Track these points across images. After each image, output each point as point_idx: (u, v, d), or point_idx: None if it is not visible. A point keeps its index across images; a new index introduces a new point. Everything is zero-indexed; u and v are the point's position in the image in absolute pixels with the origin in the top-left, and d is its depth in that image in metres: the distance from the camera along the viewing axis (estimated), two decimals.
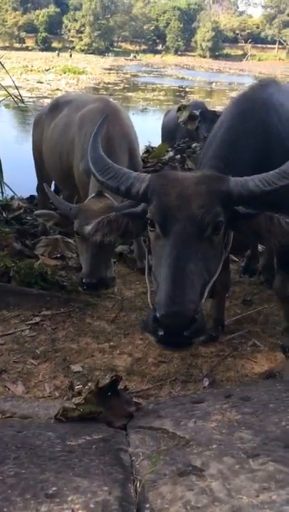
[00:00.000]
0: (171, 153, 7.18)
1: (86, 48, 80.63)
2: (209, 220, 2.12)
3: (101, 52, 77.36)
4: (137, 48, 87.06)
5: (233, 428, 1.88)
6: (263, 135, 2.71)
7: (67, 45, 78.75)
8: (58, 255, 4.80)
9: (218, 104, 17.68)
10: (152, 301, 2.27)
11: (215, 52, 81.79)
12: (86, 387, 2.79)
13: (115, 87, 30.45)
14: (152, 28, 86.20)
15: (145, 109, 22.59)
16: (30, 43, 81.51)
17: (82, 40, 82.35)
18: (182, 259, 2.05)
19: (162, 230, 2.15)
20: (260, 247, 4.64)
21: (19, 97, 5.68)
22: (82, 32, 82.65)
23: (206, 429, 1.90)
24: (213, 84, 37.02)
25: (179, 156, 7.01)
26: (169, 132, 8.58)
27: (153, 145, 8.09)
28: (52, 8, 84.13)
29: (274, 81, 3.18)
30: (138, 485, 1.56)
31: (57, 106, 4.98)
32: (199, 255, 2.10)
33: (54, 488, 1.49)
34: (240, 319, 3.74)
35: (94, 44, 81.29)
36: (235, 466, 1.58)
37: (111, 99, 4.98)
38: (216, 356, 3.29)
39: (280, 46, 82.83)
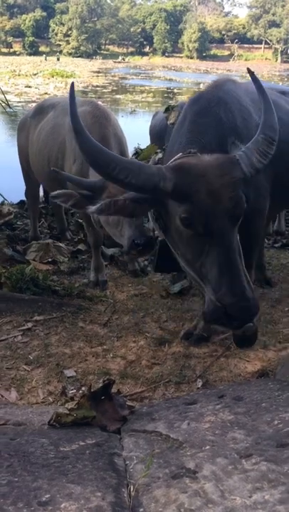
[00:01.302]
0: (160, 155, 7.18)
1: (74, 51, 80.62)
2: (240, 210, 2.24)
3: (89, 56, 77.43)
4: (125, 50, 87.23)
5: (226, 428, 1.89)
6: (222, 131, 2.76)
7: (55, 49, 78.79)
8: (50, 260, 4.79)
9: None
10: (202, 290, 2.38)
11: (202, 53, 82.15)
12: (80, 391, 2.78)
13: (104, 90, 30.50)
14: (139, 30, 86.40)
15: (134, 111, 22.64)
16: (17, 47, 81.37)
17: (69, 43, 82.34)
18: (232, 255, 2.20)
19: (203, 228, 2.20)
20: None
21: (6, 102, 5.66)
22: (69, 35, 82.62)
23: (199, 431, 1.90)
24: (201, 84, 36.98)
25: None
26: (157, 133, 8.58)
27: (142, 147, 8.09)
28: (38, 13, 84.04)
29: (230, 80, 3.23)
30: (132, 489, 1.56)
31: (42, 109, 4.97)
32: (238, 247, 2.26)
33: (47, 496, 1.48)
34: None
35: (81, 47, 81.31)
36: (228, 467, 1.58)
37: (99, 102, 4.99)
38: (209, 356, 3.29)
39: (266, 46, 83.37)
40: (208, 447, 1.75)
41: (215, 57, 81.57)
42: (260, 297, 4.06)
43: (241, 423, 1.91)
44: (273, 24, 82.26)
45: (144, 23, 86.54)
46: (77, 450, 1.86)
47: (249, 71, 2.69)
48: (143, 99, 27.27)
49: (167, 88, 34.36)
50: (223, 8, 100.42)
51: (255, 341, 2.99)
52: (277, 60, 78.74)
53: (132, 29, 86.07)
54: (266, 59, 78.96)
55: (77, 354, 3.29)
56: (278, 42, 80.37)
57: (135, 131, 10.74)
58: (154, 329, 3.66)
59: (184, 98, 26.17)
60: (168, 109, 7.95)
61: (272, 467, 1.50)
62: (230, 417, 1.99)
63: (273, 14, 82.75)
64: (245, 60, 79.15)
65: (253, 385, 2.52)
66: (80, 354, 3.29)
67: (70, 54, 78.74)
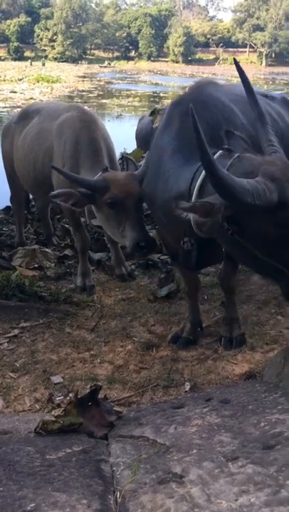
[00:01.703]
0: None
1: (59, 56, 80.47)
2: None
3: (74, 60, 77.37)
4: (110, 55, 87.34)
5: (212, 432, 1.88)
6: (210, 131, 2.73)
7: (40, 54, 78.52)
8: (36, 266, 4.76)
9: None
10: None
11: (187, 57, 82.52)
12: (67, 398, 2.75)
13: (90, 95, 30.45)
14: (124, 34, 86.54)
15: (120, 115, 22.66)
16: (2, 53, 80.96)
17: (54, 48, 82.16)
18: None
19: None
20: None
21: None
22: (54, 40, 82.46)
23: (186, 435, 1.90)
24: (187, 88, 37.32)
25: None
26: (143, 138, 8.58)
27: (128, 151, 8.10)
28: (23, 18, 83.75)
29: (211, 82, 3.25)
30: (118, 496, 1.55)
31: (26, 115, 4.95)
32: None
33: (32, 505, 1.47)
34: (219, 321, 3.75)
35: (67, 52, 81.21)
36: (214, 471, 1.58)
37: (85, 107, 5.01)
38: (197, 360, 3.29)
39: (251, 49, 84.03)
40: (195, 451, 1.75)
41: (200, 61, 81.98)
42: (247, 299, 4.08)
43: (228, 426, 1.91)
44: (258, 28, 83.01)
45: (129, 28, 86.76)
46: (64, 458, 1.85)
47: (240, 75, 2.65)
48: (129, 104, 27.32)
49: (153, 92, 34.45)
50: (208, 12, 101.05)
51: None
52: (262, 63, 79.44)
53: (117, 34, 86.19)
54: (251, 62, 79.51)
55: (64, 360, 3.27)
56: (263, 45, 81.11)
57: (122, 135, 10.75)
58: (141, 333, 3.66)
59: (170, 102, 26.29)
60: (154, 113, 7.98)
61: (258, 469, 1.51)
62: (217, 420, 1.99)
63: (257, 18, 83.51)
64: (231, 63, 79.65)
65: (240, 387, 2.53)
66: (67, 360, 3.27)
67: (55, 59, 78.55)
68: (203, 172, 2.39)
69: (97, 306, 4.04)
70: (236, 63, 2.71)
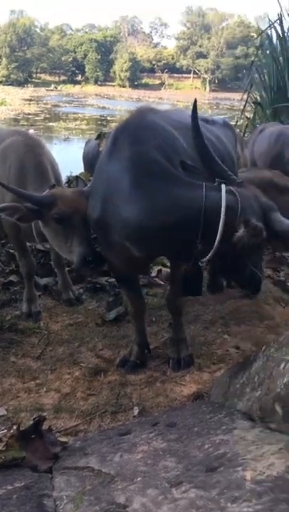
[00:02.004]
0: None
1: (4, 79, 79.80)
2: None
3: (20, 84, 76.93)
4: (57, 78, 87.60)
5: (158, 457, 1.87)
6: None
7: None
8: None
9: None
10: None
11: (134, 82, 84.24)
12: (10, 431, 2.65)
13: (36, 118, 30.37)
14: (70, 59, 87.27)
15: (68, 138, 22.72)
16: None
17: None
18: None
19: None
20: None
21: None
22: None
23: (131, 462, 1.88)
24: (129, 114, 37.98)
25: None
26: (89, 161, 8.63)
27: (74, 174, 8.09)
28: None
29: (152, 108, 3.33)
30: None
31: None
32: None
33: None
34: (167, 342, 3.76)
35: (12, 75, 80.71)
36: (158, 498, 1.56)
37: (30, 131, 4.97)
38: (145, 383, 3.28)
39: (195, 75, 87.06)
40: (139, 479, 1.73)
41: (146, 86, 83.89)
42: (194, 319, 4.13)
43: (173, 450, 1.91)
44: (200, 55, 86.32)
45: (75, 53, 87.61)
46: (4, 495, 1.77)
47: (192, 114, 2.85)
48: (76, 127, 27.47)
49: (101, 116, 34.86)
50: (152, 39, 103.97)
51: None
52: (206, 89, 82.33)
53: (63, 58, 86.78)
54: (196, 88, 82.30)
55: (8, 391, 3.16)
56: (206, 72, 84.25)
57: (69, 158, 10.75)
58: (89, 358, 3.60)
59: (113, 128, 26.63)
60: (100, 136, 8.05)
61: (201, 493, 1.50)
62: (162, 444, 1.98)
63: (200, 46, 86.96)
64: (176, 88, 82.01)
65: (186, 409, 2.54)
66: (11, 391, 3.16)
67: (0, 82, 77.99)
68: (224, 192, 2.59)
69: (43, 333, 3.95)
70: (194, 104, 2.86)
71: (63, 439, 2.39)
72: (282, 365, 1.91)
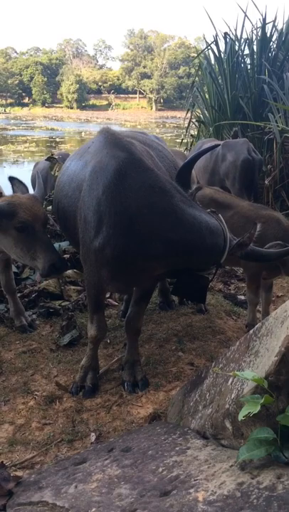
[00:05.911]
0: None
1: None
2: None
3: None
4: (4, 101, 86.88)
5: (112, 485, 1.85)
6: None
7: None
8: None
9: None
10: None
11: (81, 103, 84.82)
12: None
13: None
14: (17, 82, 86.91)
15: (17, 161, 22.46)
16: None
17: None
18: None
19: None
20: None
21: None
22: None
23: (86, 493, 1.84)
24: (83, 133, 38.20)
25: (50, 207, 7.01)
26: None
27: None
28: None
29: (111, 130, 3.35)
30: None
31: None
32: None
33: None
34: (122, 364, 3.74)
35: None
36: None
37: None
38: (102, 407, 3.24)
39: (141, 95, 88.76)
40: (94, 509, 1.70)
41: (94, 107, 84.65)
42: (149, 338, 4.14)
43: (128, 476, 1.89)
44: (145, 76, 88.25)
45: (21, 76, 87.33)
46: None
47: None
48: (26, 149, 27.19)
49: (50, 137, 34.70)
50: (97, 61, 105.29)
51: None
52: (152, 108, 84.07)
53: (9, 81, 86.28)
54: (142, 107, 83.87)
55: None
56: (151, 92, 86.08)
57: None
58: (44, 386, 3.52)
59: (67, 146, 26.62)
60: (50, 158, 8.01)
61: None
62: (117, 471, 1.96)
63: (144, 67, 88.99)
64: (123, 108, 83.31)
65: (142, 432, 2.52)
66: None
67: None
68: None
69: None
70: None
71: (18, 473, 2.32)
72: (230, 381, 1.94)
